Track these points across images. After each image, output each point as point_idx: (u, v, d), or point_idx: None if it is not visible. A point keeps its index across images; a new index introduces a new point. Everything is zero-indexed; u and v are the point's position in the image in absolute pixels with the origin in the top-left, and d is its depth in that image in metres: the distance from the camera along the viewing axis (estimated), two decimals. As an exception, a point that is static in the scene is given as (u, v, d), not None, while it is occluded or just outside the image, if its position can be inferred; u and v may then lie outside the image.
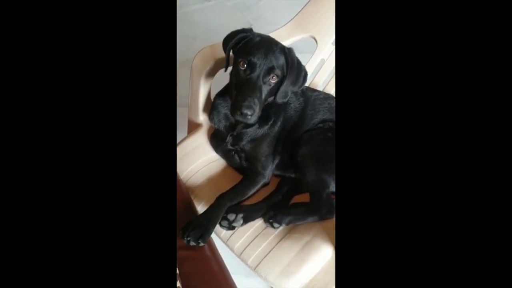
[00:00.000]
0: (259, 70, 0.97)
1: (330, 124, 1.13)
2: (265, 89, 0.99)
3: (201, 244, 0.89)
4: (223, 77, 1.19)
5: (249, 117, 0.95)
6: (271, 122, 1.10)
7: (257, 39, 1.02)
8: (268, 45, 1.01)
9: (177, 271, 0.84)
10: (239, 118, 0.97)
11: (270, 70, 0.98)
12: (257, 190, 1.11)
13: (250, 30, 1.05)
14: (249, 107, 0.93)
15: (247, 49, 0.99)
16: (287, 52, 1.02)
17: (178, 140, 1.21)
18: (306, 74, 1.09)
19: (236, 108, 0.96)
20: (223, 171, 1.17)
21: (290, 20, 1.33)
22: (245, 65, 0.97)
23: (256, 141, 1.10)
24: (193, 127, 1.26)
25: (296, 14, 1.33)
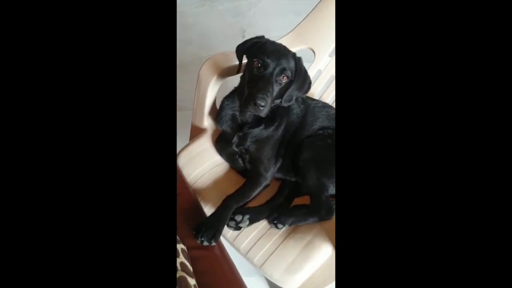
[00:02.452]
0: (272, 69, 1.04)
1: (329, 131, 1.21)
2: (276, 88, 1.06)
3: (214, 243, 0.94)
4: (226, 87, 1.24)
5: (262, 108, 1.00)
6: (276, 124, 1.16)
7: (270, 44, 1.10)
8: (281, 49, 1.09)
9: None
10: (251, 110, 1.03)
11: (282, 71, 1.05)
12: (260, 192, 1.18)
13: (263, 37, 1.13)
14: (263, 99, 0.99)
15: (261, 51, 1.06)
16: (297, 59, 1.10)
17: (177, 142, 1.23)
18: (310, 82, 1.17)
19: (250, 99, 1.01)
20: (227, 174, 1.23)
21: (291, 31, 1.40)
22: (259, 64, 1.04)
23: (260, 142, 1.16)
24: (196, 132, 1.31)
25: (296, 26, 1.41)
